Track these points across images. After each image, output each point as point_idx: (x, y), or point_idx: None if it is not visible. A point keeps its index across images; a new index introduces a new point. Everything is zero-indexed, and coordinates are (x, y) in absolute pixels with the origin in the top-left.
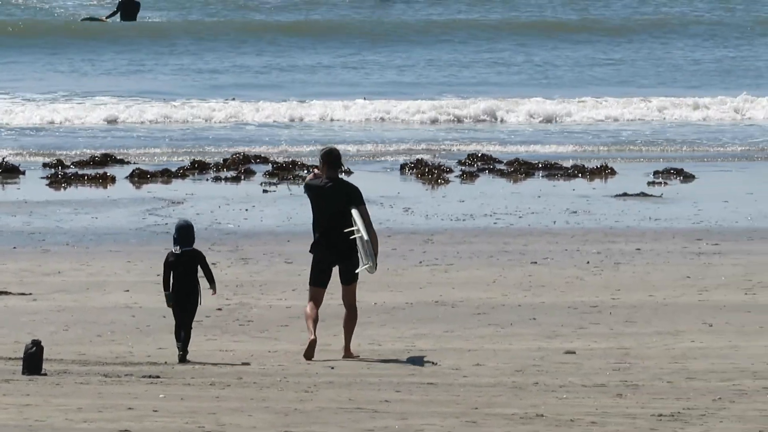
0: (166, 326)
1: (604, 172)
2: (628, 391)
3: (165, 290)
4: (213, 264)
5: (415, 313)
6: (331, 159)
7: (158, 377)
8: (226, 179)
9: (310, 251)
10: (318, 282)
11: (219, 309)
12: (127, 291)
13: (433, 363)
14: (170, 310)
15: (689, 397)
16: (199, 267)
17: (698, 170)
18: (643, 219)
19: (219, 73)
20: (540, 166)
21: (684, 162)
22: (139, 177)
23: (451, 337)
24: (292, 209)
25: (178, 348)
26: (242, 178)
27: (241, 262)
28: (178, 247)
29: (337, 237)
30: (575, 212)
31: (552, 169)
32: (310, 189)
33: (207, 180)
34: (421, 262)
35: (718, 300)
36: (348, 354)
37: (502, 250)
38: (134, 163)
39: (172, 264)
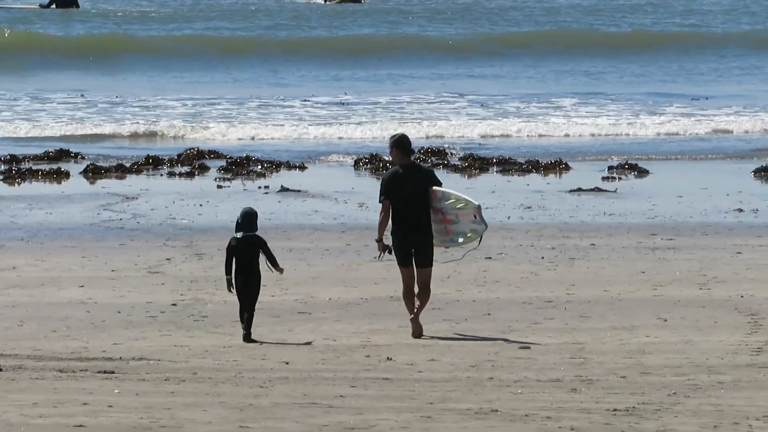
0: (120, 322)
1: (558, 167)
2: (582, 386)
3: (226, 275)
4: (168, 260)
5: (370, 308)
6: (400, 144)
7: (113, 372)
8: (181, 175)
9: (391, 234)
10: (405, 263)
11: (174, 304)
12: (82, 286)
13: (388, 358)
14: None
15: (644, 392)
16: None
17: (652, 166)
18: (597, 214)
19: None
20: (494, 161)
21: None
22: (94, 172)
23: (406, 332)
24: (247, 204)
25: (243, 328)
26: (196, 173)
27: (195, 258)
28: (240, 233)
29: (413, 221)
30: (530, 207)
31: (506, 165)
32: (386, 182)
33: (161, 175)
34: (375, 258)
35: (673, 295)
36: (416, 319)
37: None
38: (88, 158)
39: (233, 248)
